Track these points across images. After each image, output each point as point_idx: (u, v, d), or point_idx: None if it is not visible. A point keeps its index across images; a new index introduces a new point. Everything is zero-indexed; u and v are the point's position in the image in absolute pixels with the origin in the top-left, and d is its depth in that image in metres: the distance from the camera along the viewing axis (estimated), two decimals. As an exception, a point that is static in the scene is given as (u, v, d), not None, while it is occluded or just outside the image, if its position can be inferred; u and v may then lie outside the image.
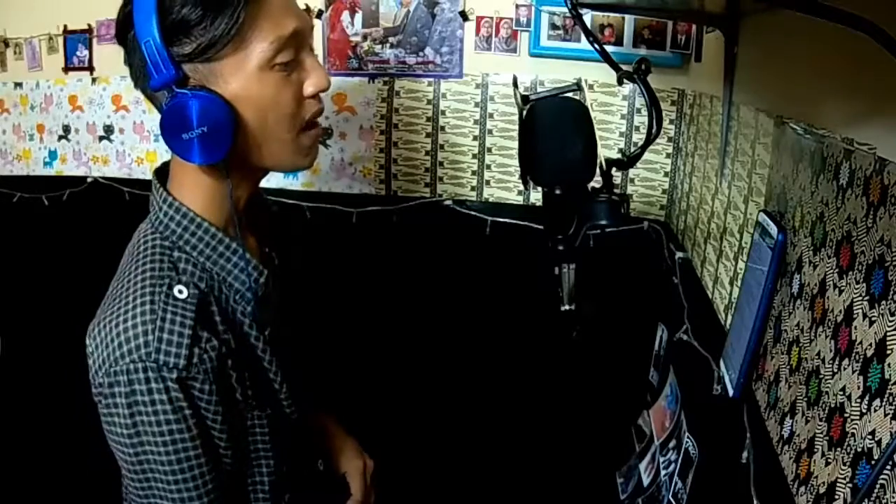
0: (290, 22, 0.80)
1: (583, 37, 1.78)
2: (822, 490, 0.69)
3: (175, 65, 0.75)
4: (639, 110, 1.88)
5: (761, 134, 1.08)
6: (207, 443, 0.79)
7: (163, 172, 0.89)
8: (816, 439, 0.72)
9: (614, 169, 1.05)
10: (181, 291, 0.78)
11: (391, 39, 1.98)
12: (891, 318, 0.59)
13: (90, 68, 2.25)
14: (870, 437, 0.60)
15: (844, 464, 0.65)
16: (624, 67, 1.02)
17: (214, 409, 0.79)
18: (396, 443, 1.90)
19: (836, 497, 0.65)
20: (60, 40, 2.26)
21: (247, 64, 0.78)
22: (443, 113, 2.00)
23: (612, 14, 1.79)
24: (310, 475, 1.06)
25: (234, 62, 0.78)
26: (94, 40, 2.21)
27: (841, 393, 0.67)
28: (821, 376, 0.73)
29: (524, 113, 1.07)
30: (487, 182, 2.03)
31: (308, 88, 0.84)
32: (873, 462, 0.59)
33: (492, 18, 1.91)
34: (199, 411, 0.77)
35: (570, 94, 1.10)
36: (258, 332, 0.87)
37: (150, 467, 0.77)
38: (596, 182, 1.04)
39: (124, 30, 0.78)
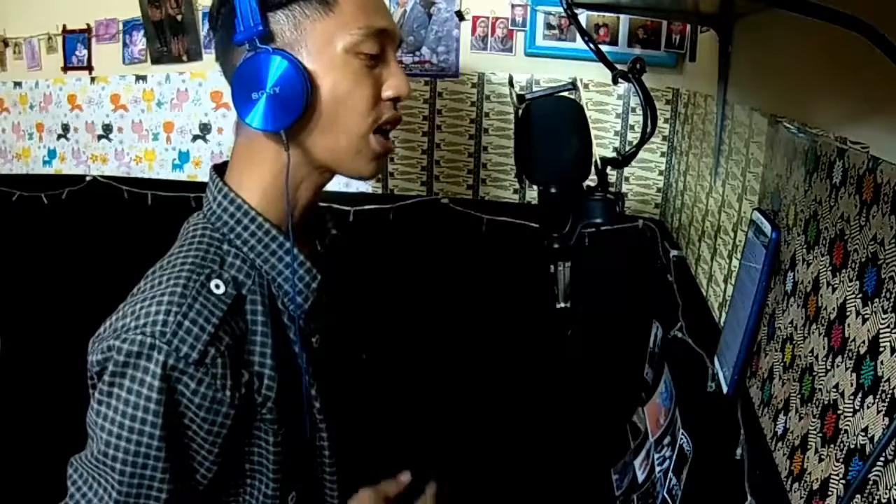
0: (382, 19, 0.81)
1: (578, 36, 1.78)
2: (815, 486, 0.69)
3: (263, 19, 0.74)
4: (633, 109, 1.89)
5: (755, 133, 1.09)
6: (176, 447, 0.73)
7: (220, 170, 0.86)
8: (810, 436, 0.72)
9: (609, 167, 1.05)
10: (218, 286, 0.75)
11: (388, 38, 1.98)
12: (883, 316, 0.59)
13: (89, 68, 2.24)
14: (863, 433, 0.61)
15: (837, 460, 0.65)
16: (619, 67, 1.03)
17: (204, 415, 0.73)
18: (391, 440, 1.90)
19: (830, 493, 0.65)
20: (59, 40, 2.25)
21: (334, 42, 0.77)
22: (439, 112, 2.00)
23: (606, 14, 1.79)
24: None
25: (322, 37, 0.77)
26: (93, 40, 2.21)
27: (834, 390, 0.68)
28: (814, 373, 0.74)
29: (520, 112, 1.07)
30: (483, 181, 2.03)
31: (388, 91, 0.82)
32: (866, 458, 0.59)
33: (488, 18, 1.91)
34: (185, 410, 0.72)
35: (565, 94, 1.10)
36: (301, 341, 0.83)
37: (106, 450, 0.72)
38: (591, 180, 1.05)
39: None
